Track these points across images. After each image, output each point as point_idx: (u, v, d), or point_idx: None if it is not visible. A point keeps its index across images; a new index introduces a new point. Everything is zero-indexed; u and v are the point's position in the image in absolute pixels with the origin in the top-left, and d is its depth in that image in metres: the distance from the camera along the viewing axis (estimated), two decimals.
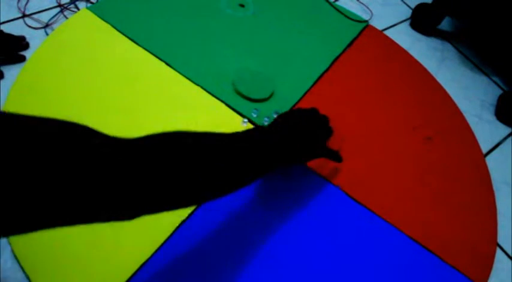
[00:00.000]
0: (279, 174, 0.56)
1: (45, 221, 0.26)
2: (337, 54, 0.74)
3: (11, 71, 0.59)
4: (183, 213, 0.50)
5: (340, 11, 0.82)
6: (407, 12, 0.89)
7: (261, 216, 0.53)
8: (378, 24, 0.83)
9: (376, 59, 0.76)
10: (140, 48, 0.65)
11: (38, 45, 0.62)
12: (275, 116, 0.62)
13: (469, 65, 0.82)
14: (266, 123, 0.61)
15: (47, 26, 0.66)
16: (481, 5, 0.75)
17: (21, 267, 0.44)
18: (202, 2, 0.76)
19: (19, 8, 0.67)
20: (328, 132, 0.55)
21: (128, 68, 0.63)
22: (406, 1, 0.91)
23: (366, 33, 0.80)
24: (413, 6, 0.88)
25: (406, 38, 0.83)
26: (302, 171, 0.58)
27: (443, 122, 0.70)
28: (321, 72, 0.70)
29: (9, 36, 0.61)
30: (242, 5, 0.77)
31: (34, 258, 0.44)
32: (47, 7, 0.69)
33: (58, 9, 0.68)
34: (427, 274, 0.52)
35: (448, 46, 0.85)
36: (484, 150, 0.69)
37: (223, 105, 0.62)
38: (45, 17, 0.67)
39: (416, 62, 0.79)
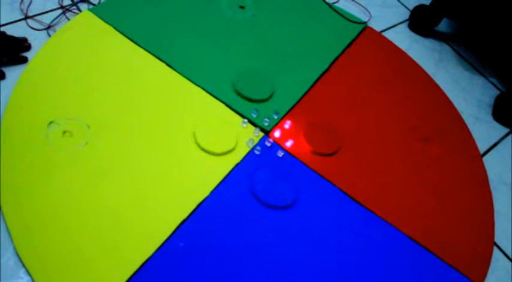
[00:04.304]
0: (279, 174, 0.57)
1: None
2: (336, 55, 0.74)
3: (13, 72, 0.59)
4: (183, 213, 0.51)
5: (339, 12, 0.82)
6: (406, 14, 0.89)
7: (260, 216, 0.53)
8: (376, 25, 0.84)
9: (375, 60, 0.77)
10: (141, 50, 0.66)
11: (40, 47, 0.63)
12: (275, 116, 0.63)
13: (466, 66, 0.83)
14: (266, 124, 0.61)
15: (49, 27, 0.66)
16: (479, 6, 0.76)
17: (24, 266, 0.44)
18: (202, 4, 0.76)
19: (21, 10, 0.67)
20: None
21: (129, 69, 0.63)
22: (404, 3, 0.92)
23: (365, 34, 0.80)
24: (411, 7, 0.89)
25: (404, 39, 0.84)
26: (302, 171, 0.58)
27: (441, 122, 0.71)
28: (320, 73, 0.71)
29: (12, 37, 0.61)
30: (242, 7, 0.78)
31: (36, 257, 0.45)
32: (49, 9, 0.69)
33: (60, 10, 0.69)
34: (425, 273, 0.53)
35: (446, 47, 0.86)
36: (482, 150, 0.70)
37: (223, 105, 0.62)
38: (47, 18, 0.67)
39: (415, 63, 0.79)
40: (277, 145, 0.60)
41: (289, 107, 0.65)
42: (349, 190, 0.58)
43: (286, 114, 0.64)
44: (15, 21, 0.66)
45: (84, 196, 0.50)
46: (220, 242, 0.50)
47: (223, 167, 0.56)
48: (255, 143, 0.59)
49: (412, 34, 0.86)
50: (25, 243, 0.45)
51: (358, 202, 0.57)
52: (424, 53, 0.82)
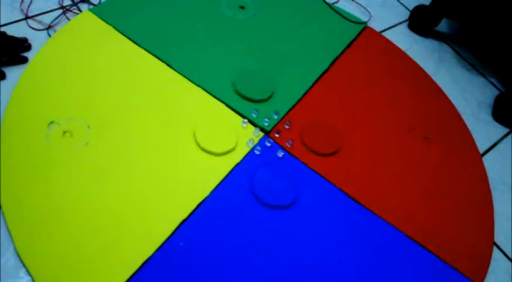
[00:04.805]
0: (279, 174, 0.57)
1: None
2: (336, 55, 0.75)
3: (14, 72, 0.59)
4: (183, 213, 0.51)
5: (339, 12, 0.83)
6: (405, 14, 0.90)
7: (260, 216, 0.53)
8: (376, 25, 0.84)
9: (375, 60, 0.77)
10: (141, 50, 0.66)
11: (41, 47, 0.63)
12: (275, 116, 0.63)
13: (466, 66, 0.83)
14: (266, 124, 0.62)
15: (49, 27, 0.66)
16: (479, 6, 0.76)
17: (24, 266, 0.44)
18: (203, 4, 0.76)
19: (22, 10, 0.67)
20: None
21: (129, 69, 0.63)
22: (404, 3, 0.92)
23: (365, 34, 0.81)
24: (411, 7, 0.89)
25: (404, 39, 0.84)
26: (302, 171, 0.58)
27: (441, 122, 0.71)
28: (320, 73, 0.71)
29: (12, 37, 0.61)
30: (242, 7, 0.78)
31: (37, 257, 0.45)
32: (49, 9, 0.69)
33: (60, 11, 0.69)
34: (425, 273, 0.53)
35: (446, 47, 0.86)
36: (481, 150, 0.70)
37: (223, 105, 0.62)
38: (47, 18, 0.68)
39: (414, 63, 0.79)
40: (277, 145, 0.60)
41: (289, 107, 0.65)
42: (349, 190, 0.58)
43: (286, 114, 0.64)
44: (16, 22, 0.66)
45: (85, 196, 0.50)
46: (220, 241, 0.50)
47: (223, 167, 0.56)
48: (255, 143, 0.59)
49: (412, 34, 0.86)
50: (25, 243, 0.45)
51: (358, 202, 0.57)
52: (424, 53, 0.82)
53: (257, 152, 0.58)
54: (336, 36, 0.78)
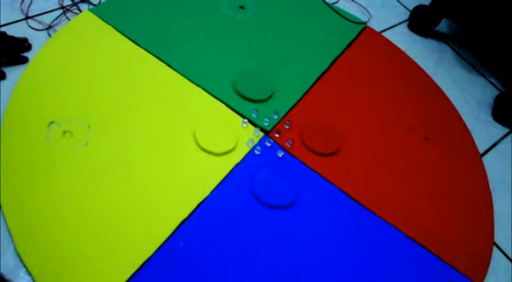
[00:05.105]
0: (279, 174, 0.57)
1: None
2: (336, 55, 0.75)
3: (14, 73, 0.59)
4: (183, 213, 0.51)
5: (339, 12, 0.83)
6: (406, 14, 0.90)
7: (260, 216, 0.53)
8: (376, 25, 0.84)
9: (375, 60, 0.77)
10: (141, 50, 0.66)
11: (41, 47, 0.63)
12: (275, 116, 0.63)
13: (466, 66, 0.83)
14: (266, 124, 0.62)
15: (49, 27, 0.66)
16: (479, 6, 0.76)
17: (24, 266, 0.44)
18: (203, 4, 0.76)
19: (22, 10, 0.67)
20: None
21: (129, 69, 0.63)
22: (404, 3, 0.92)
23: (365, 34, 0.81)
24: (411, 7, 0.89)
25: (404, 40, 0.84)
26: (302, 171, 0.58)
27: (441, 122, 0.71)
28: (320, 73, 0.71)
29: (12, 37, 0.61)
30: (242, 7, 0.78)
31: (37, 257, 0.45)
32: (49, 9, 0.69)
33: (60, 11, 0.69)
34: (425, 273, 0.53)
35: (445, 47, 0.86)
36: (481, 150, 0.70)
37: (223, 105, 0.62)
38: (47, 18, 0.68)
39: (414, 63, 0.79)
40: (277, 145, 0.60)
41: (289, 107, 0.65)
42: (349, 190, 0.58)
43: (286, 114, 0.64)
44: (16, 22, 0.66)
45: (85, 196, 0.50)
46: (220, 241, 0.50)
47: (223, 167, 0.56)
48: (255, 143, 0.59)
49: (412, 34, 0.86)
50: (26, 243, 0.45)
51: (358, 202, 0.57)
52: (424, 53, 0.83)
53: (257, 152, 0.58)
54: (335, 36, 0.78)
